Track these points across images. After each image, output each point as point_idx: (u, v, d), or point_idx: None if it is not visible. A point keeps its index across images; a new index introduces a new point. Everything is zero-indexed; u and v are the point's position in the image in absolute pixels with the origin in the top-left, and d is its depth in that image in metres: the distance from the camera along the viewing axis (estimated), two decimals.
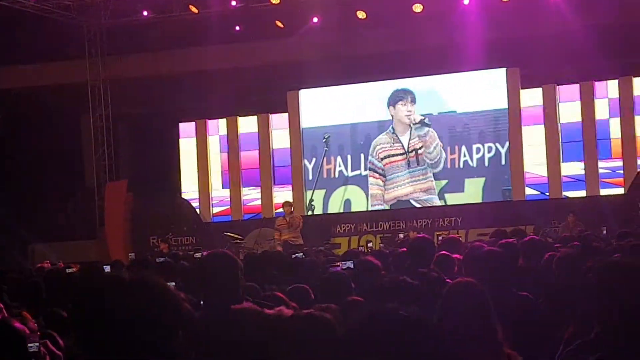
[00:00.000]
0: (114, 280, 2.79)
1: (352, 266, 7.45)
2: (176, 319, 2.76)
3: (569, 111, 20.66)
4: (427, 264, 6.77)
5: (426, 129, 21.26)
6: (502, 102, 20.98)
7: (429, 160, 21.28)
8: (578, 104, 20.56)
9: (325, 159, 22.12)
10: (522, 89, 20.85)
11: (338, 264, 8.29)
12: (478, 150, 21.26)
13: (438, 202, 21.25)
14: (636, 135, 20.13)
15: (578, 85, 20.54)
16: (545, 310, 5.14)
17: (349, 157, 22.14)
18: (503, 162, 21.11)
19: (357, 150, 22.05)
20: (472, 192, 21.19)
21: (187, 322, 2.96)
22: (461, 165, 21.34)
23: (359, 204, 21.97)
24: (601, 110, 20.43)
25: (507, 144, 20.99)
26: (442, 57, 20.36)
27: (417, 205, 21.34)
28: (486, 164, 21.24)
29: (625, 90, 20.16)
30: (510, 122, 20.84)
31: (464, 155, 21.30)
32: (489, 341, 3.73)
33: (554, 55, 20.21)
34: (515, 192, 20.73)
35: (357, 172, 22.07)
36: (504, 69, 20.95)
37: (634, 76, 20.19)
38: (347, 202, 22.10)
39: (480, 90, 21.09)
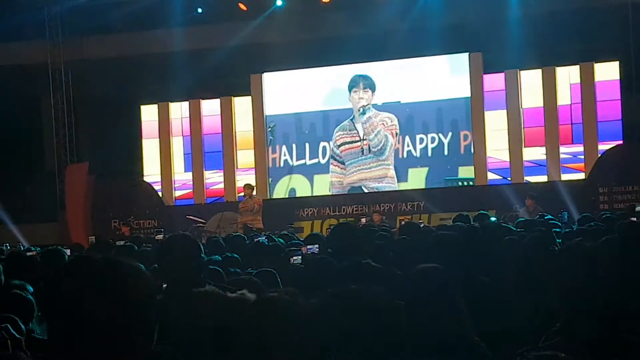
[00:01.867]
0: (85, 261, 2.75)
1: (316, 251, 7.42)
2: (151, 300, 2.73)
3: (531, 96, 20.77)
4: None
5: (366, 116, 21.37)
6: (463, 89, 21.04)
7: (372, 148, 21.38)
8: (540, 89, 20.66)
9: (270, 148, 22.19)
10: (484, 73, 20.92)
11: (302, 248, 8.26)
12: (422, 140, 21.37)
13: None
14: (597, 121, 20.27)
15: (540, 70, 20.65)
16: (510, 295, 5.15)
17: (294, 146, 22.21)
18: (446, 153, 21.23)
19: (302, 139, 22.14)
20: (415, 181, 21.29)
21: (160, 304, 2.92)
22: (405, 155, 21.47)
23: (304, 193, 22.03)
24: (563, 95, 20.56)
25: (450, 134, 21.11)
26: (405, 41, 20.35)
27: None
28: (429, 154, 21.35)
29: (587, 76, 20.30)
30: (473, 107, 20.92)
31: (407, 146, 21.42)
32: (454, 326, 3.73)
33: (516, 41, 20.28)
34: (478, 177, 20.84)
35: (302, 161, 22.12)
36: (467, 53, 21.01)
37: (596, 62, 20.32)
38: (292, 192, 22.14)
39: (441, 76, 21.18)
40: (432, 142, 21.31)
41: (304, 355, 2.73)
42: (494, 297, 4.87)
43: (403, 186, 21.32)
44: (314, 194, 21.90)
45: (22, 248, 13.05)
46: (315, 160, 22.06)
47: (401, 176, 21.39)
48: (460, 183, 21.13)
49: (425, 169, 21.36)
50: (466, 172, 21.06)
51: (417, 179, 21.34)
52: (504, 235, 7.99)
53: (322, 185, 21.94)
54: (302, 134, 22.18)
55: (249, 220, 18.14)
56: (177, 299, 4.19)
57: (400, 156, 21.46)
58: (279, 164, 22.34)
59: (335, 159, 21.83)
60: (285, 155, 22.28)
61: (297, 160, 22.21)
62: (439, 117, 21.28)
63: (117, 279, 2.66)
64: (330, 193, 21.78)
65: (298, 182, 22.16)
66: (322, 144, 21.98)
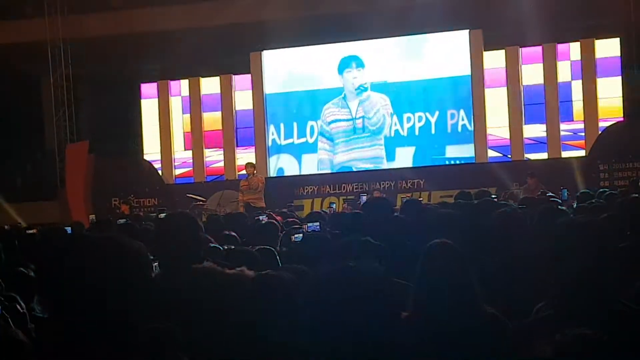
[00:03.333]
0: (81, 239, 2.76)
1: (317, 229, 7.38)
2: (145, 277, 2.74)
3: (532, 73, 20.72)
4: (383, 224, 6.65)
5: (365, 94, 21.36)
6: (462, 68, 20.97)
7: (370, 127, 21.36)
8: (540, 66, 20.62)
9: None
10: (484, 51, 20.86)
11: (302, 226, 8.25)
12: (409, 119, 21.34)
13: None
14: (598, 98, 20.24)
15: (541, 47, 20.59)
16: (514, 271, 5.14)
17: (282, 125, 22.19)
18: (433, 132, 21.20)
19: (290, 118, 22.14)
20: (403, 161, 21.27)
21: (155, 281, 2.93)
22: (392, 134, 21.45)
23: (292, 173, 22.03)
24: (563, 72, 20.52)
25: (437, 113, 21.09)
26: (405, 19, 20.29)
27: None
28: (416, 133, 21.32)
29: (587, 53, 20.24)
30: (473, 85, 20.87)
31: (395, 125, 21.40)
32: (468, 301, 3.73)
33: (517, 17, 20.22)
34: (478, 154, 20.83)
35: (290, 140, 22.09)
36: (467, 30, 20.93)
37: (596, 38, 20.26)
38: (280, 171, 22.15)
39: (442, 53, 21.11)
40: (420, 121, 21.31)
41: (300, 332, 2.73)
42: (496, 273, 4.87)
43: (391, 166, 21.31)
44: (302, 174, 21.88)
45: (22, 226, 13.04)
46: (303, 140, 22.04)
47: (389, 155, 21.39)
48: (447, 162, 21.13)
49: (412, 148, 21.36)
50: (454, 151, 21.04)
51: (404, 158, 21.31)
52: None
53: (310, 165, 21.93)
54: (290, 113, 22.15)
55: (251, 199, 18.12)
56: (176, 275, 4.20)
57: (388, 135, 21.44)
58: (268, 143, 22.32)
59: (324, 136, 21.81)
60: (273, 134, 22.26)
61: (285, 139, 22.20)
62: (426, 96, 21.25)
63: (116, 257, 2.67)
64: (319, 172, 21.73)
65: (286, 161, 22.15)
66: (310, 123, 21.97)
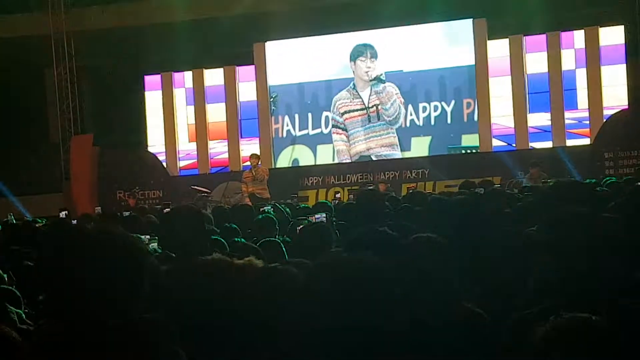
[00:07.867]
0: (76, 233, 2.76)
1: (324, 219, 7.37)
2: (141, 271, 2.74)
3: (536, 62, 20.67)
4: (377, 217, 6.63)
5: (382, 85, 21.28)
6: (467, 57, 20.91)
7: (386, 117, 21.33)
8: (545, 54, 20.57)
9: (273, 118, 22.15)
10: (488, 39, 20.80)
11: (307, 217, 8.22)
12: (424, 108, 21.29)
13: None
14: (602, 86, 20.19)
15: (545, 35, 20.54)
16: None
17: (296, 116, 22.17)
18: (449, 121, 21.16)
19: (305, 109, 22.09)
20: (419, 150, 21.24)
21: (153, 274, 2.93)
22: (408, 124, 21.40)
23: (307, 163, 21.99)
24: (567, 60, 20.47)
25: (453, 102, 21.02)
26: (409, 8, 20.25)
27: None
28: (432, 122, 21.28)
29: (592, 41, 20.19)
30: (477, 74, 20.82)
31: (410, 114, 21.35)
32: (446, 295, 3.71)
33: (520, 6, 20.18)
34: (483, 143, 20.79)
35: (305, 131, 22.07)
36: (471, 19, 20.88)
37: (600, 26, 20.21)
38: (295, 162, 22.12)
39: (446, 43, 21.05)
40: (435, 111, 21.24)
41: (301, 325, 2.73)
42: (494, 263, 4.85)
43: (406, 155, 21.28)
44: (317, 164, 21.85)
45: (30, 219, 13.07)
46: (318, 130, 22.01)
47: (404, 145, 21.34)
48: (463, 151, 21.08)
49: (429, 138, 21.30)
50: (470, 140, 20.99)
51: (420, 147, 21.28)
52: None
53: (326, 155, 21.89)
54: (305, 103, 22.12)
55: (256, 190, 18.09)
56: (184, 267, 4.20)
57: (403, 125, 21.40)
58: (282, 135, 22.30)
59: (338, 127, 21.77)
60: (287, 125, 22.23)
61: (299, 130, 22.17)
62: (442, 85, 21.19)
63: (108, 249, 2.68)
64: (335, 162, 21.72)
65: (301, 152, 22.11)
66: (324, 113, 21.92)
